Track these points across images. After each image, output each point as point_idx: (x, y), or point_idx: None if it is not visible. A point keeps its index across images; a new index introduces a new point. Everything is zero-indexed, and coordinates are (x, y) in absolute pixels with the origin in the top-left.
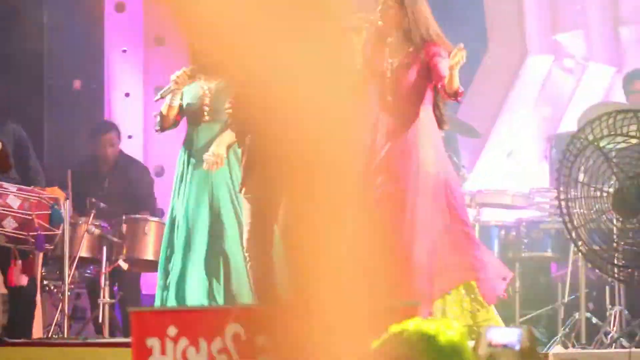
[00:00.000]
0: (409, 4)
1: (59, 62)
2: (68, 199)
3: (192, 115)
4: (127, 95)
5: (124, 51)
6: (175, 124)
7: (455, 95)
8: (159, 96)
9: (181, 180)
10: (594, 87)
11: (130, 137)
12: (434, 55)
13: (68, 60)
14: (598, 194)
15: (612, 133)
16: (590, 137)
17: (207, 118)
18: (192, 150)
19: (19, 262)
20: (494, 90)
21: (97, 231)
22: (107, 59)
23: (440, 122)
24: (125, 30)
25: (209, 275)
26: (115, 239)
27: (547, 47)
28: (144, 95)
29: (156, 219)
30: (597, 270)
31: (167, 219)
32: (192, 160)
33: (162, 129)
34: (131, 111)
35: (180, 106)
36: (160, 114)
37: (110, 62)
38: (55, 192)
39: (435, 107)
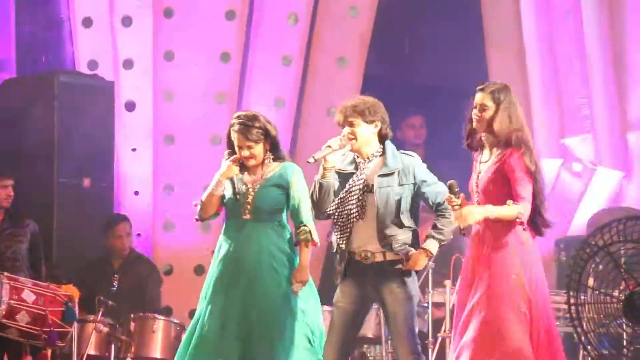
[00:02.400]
0: (507, 101)
1: (70, 161)
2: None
3: (233, 209)
4: (136, 193)
5: (134, 150)
6: (216, 214)
7: None
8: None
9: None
10: (603, 191)
11: (139, 235)
12: (512, 171)
13: (78, 158)
14: (608, 299)
15: (623, 239)
16: (601, 243)
17: (248, 216)
18: (231, 244)
19: (29, 358)
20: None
21: (105, 329)
22: (117, 158)
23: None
24: (135, 129)
25: None
26: (123, 337)
27: (556, 150)
28: (153, 193)
29: (165, 317)
30: None
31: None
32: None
33: (202, 218)
34: (140, 209)
35: (222, 197)
36: (201, 201)
37: (120, 161)
38: (70, 289)
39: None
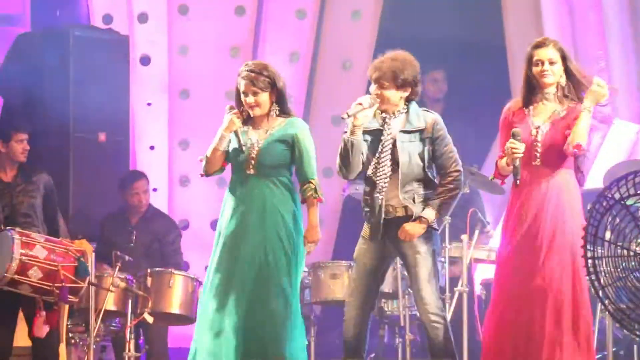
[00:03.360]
0: (570, 59)
1: (85, 115)
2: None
3: (237, 164)
4: (152, 148)
5: (149, 104)
6: (221, 169)
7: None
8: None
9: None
10: (620, 143)
11: (155, 190)
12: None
13: (93, 113)
14: (625, 252)
15: (639, 192)
16: (617, 196)
17: (252, 171)
18: (236, 199)
19: (43, 313)
20: None
21: (122, 284)
22: (132, 112)
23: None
24: (150, 83)
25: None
26: (140, 292)
27: None
28: (169, 148)
29: (182, 272)
30: (624, 330)
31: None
32: (240, 208)
33: (207, 173)
34: (156, 164)
35: (227, 152)
36: (206, 157)
37: (136, 115)
38: (83, 244)
39: (577, 169)
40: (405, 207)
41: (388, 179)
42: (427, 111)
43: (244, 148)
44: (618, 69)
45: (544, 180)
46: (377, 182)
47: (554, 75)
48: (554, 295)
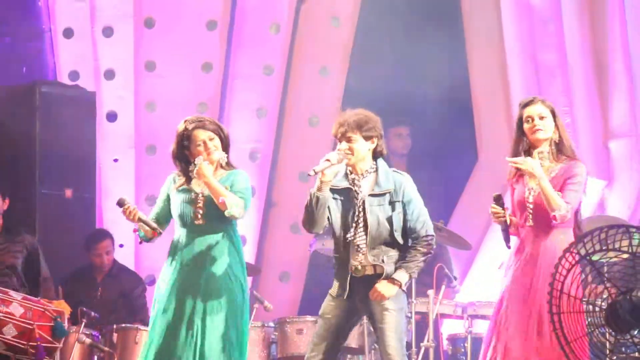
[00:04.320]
0: (557, 114)
1: (51, 171)
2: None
3: (183, 216)
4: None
5: (116, 160)
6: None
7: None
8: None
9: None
10: (586, 200)
11: (121, 245)
12: (575, 176)
13: (60, 169)
14: (591, 308)
15: (604, 248)
16: (583, 252)
17: (200, 222)
18: (184, 249)
19: None
20: (484, 203)
21: (88, 340)
22: (99, 168)
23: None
24: (117, 139)
25: None
26: (106, 348)
27: None
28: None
29: (148, 328)
30: None
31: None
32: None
33: (148, 239)
34: (123, 220)
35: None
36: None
37: (102, 171)
38: (61, 305)
39: (577, 227)
40: (375, 266)
41: (352, 238)
42: (397, 172)
43: (189, 201)
44: (583, 124)
45: (538, 241)
46: (351, 241)
47: (545, 130)
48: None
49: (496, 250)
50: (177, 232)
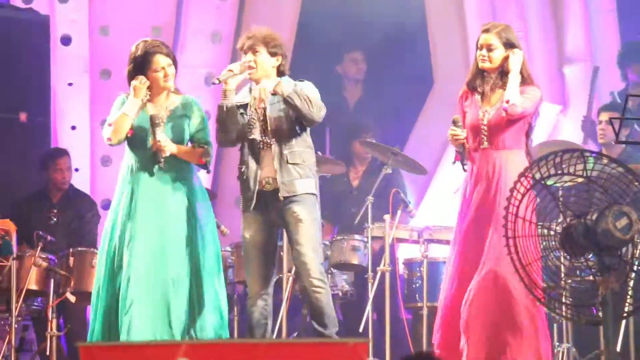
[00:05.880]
0: (518, 44)
1: (5, 95)
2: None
3: (138, 140)
4: (73, 128)
5: (70, 84)
6: (126, 137)
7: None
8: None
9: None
10: (540, 125)
11: (77, 170)
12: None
13: (14, 92)
14: (546, 232)
15: (559, 172)
16: (538, 176)
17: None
18: (139, 175)
19: None
20: (439, 128)
21: (44, 264)
22: (53, 92)
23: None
24: (72, 63)
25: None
26: (62, 272)
27: None
28: (91, 128)
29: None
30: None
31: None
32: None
33: (114, 142)
34: (78, 144)
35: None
36: (110, 125)
37: (57, 95)
38: (7, 223)
39: (527, 152)
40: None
41: (260, 147)
42: (301, 81)
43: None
44: (538, 50)
45: (492, 162)
46: (247, 149)
47: (490, 61)
48: (496, 273)
49: (451, 175)
50: (128, 156)
